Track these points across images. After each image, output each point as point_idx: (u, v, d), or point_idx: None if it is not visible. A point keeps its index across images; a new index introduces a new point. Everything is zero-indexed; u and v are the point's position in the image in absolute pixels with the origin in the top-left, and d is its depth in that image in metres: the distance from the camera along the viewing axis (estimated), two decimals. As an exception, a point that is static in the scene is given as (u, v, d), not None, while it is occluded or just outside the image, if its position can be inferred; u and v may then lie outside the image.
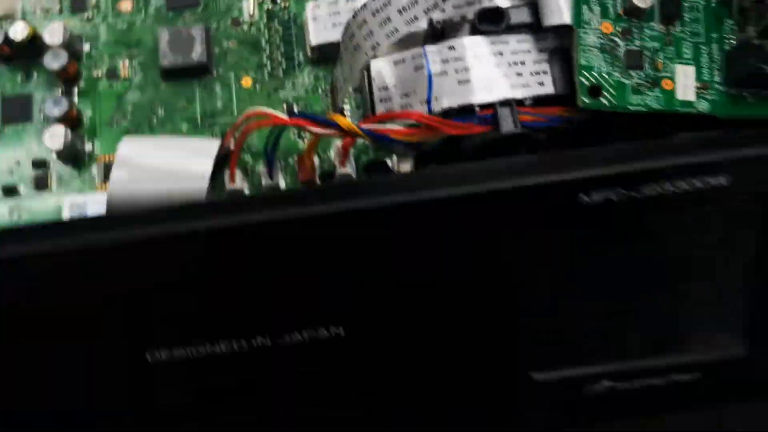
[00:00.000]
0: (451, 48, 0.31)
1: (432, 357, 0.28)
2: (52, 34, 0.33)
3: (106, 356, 0.27)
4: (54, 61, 0.33)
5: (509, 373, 0.29)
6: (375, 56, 0.31)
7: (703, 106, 0.30)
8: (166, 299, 0.27)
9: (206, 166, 0.30)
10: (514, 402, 0.30)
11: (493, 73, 0.31)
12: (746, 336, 0.29)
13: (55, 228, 0.28)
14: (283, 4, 0.35)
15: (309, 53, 0.35)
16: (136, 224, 0.26)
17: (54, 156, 0.33)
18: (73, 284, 0.26)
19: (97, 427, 0.28)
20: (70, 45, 0.34)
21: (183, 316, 0.27)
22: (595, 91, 0.29)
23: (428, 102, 0.32)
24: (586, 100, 0.29)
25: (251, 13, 0.35)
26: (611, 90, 0.30)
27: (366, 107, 0.33)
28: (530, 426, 0.32)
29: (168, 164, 0.30)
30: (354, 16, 0.31)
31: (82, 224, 0.28)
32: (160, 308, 0.27)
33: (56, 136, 0.32)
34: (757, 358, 0.29)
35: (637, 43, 0.30)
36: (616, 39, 0.30)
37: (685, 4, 0.31)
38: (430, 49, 0.32)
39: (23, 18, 0.35)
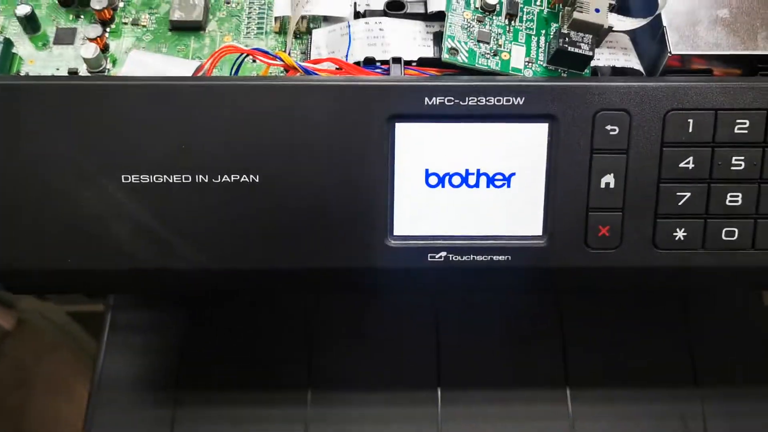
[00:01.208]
0: (367, 23, 0.42)
1: (317, 210, 0.37)
2: (99, -12, 0.45)
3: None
4: (98, 4, 0.43)
5: (372, 234, 0.38)
6: (308, 8, 0.42)
7: (528, 73, 0.41)
8: (143, 137, 0.36)
9: (186, 73, 0.41)
10: (373, 259, 0.38)
11: (393, 40, 0.42)
12: (545, 231, 0.38)
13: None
14: (263, -9, 0.48)
15: (273, 24, 0.46)
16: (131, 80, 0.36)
17: (84, 67, 0.43)
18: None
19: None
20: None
21: (153, 153, 0.36)
22: (453, 51, 0.40)
23: (347, 56, 0.43)
24: (447, 57, 0.40)
25: (240, -5, 0.47)
26: (465, 53, 0.40)
27: (308, 56, 0.44)
28: (387, 284, 0.41)
29: (161, 67, 0.40)
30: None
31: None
32: (137, 143, 0.36)
33: (89, 49, 0.42)
34: (554, 249, 0.38)
35: (488, 27, 0.41)
36: (473, 23, 0.41)
37: (524, 10, 0.42)
38: (353, 22, 0.43)
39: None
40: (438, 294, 0.49)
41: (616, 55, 0.42)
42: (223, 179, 0.36)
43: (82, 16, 0.45)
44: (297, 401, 0.47)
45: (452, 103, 0.36)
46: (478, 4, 0.41)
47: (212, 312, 0.50)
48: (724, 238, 0.37)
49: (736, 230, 0.37)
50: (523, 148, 0.37)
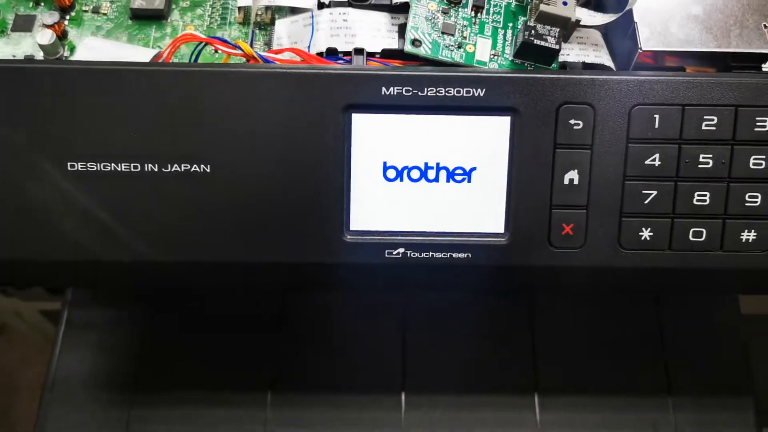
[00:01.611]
0: (331, 14, 0.41)
1: (270, 203, 0.35)
2: (58, -26, 0.44)
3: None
4: (56, -10, 0.43)
5: (327, 228, 0.37)
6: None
7: (494, 66, 0.39)
8: (90, 124, 0.34)
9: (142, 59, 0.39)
10: (329, 254, 0.37)
11: (357, 31, 0.41)
12: (507, 229, 0.37)
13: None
14: (228, -17, 0.47)
15: (237, 14, 0.45)
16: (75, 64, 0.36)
17: (40, 54, 0.42)
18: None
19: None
20: (70, -15, 0.44)
21: (100, 140, 0.35)
22: (416, 42, 0.39)
23: (309, 46, 0.42)
24: (410, 48, 0.39)
25: (204, -15, 0.46)
26: (428, 44, 0.39)
27: (270, 47, 0.43)
28: (344, 280, 0.39)
29: (116, 54, 0.39)
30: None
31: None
32: (84, 130, 0.34)
33: (45, 35, 0.41)
34: (516, 247, 0.37)
35: (453, 19, 0.40)
36: (438, 14, 0.40)
37: (491, 2, 0.41)
38: (317, 12, 0.42)
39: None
40: (406, 295, 0.48)
41: (587, 50, 0.41)
42: (173, 168, 0.35)
43: (42, 3, 0.45)
44: (256, 404, 0.46)
45: (410, 93, 0.35)
46: (443, -5, 0.40)
47: (172, 311, 0.48)
48: (691, 238, 0.36)
49: (704, 231, 0.36)
50: (484, 141, 0.36)
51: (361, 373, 0.46)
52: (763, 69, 0.40)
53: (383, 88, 0.35)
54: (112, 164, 0.35)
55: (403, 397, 0.46)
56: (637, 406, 0.46)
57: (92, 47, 0.39)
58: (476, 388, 0.46)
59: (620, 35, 0.42)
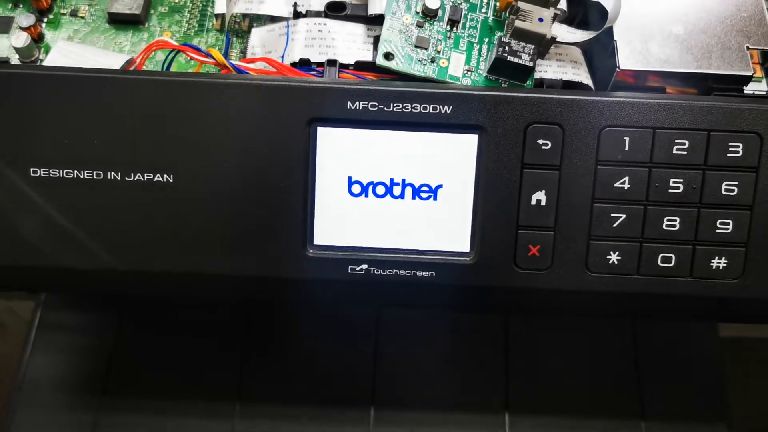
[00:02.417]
0: (307, 24, 0.40)
1: (234, 215, 0.35)
2: (37, -24, 0.44)
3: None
4: (33, -7, 0.43)
5: (290, 242, 0.36)
6: (243, 6, 0.41)
7: (467, 82, 0.39)
8: (53, 130, 0.34)
9: (115, 66, 0.39)
10: (292, 269, 0.37)
11: (332, 43, 0.41)
12: (473, 248, 0.37)
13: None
14: (207, -11, 0.46)
15: (214, 21, 0.45)
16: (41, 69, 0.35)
17: (16, 57, 0.42)
18: None
19: None
20: (49, -12, 0.44)
21: (63, 146, 0.34)
22: (388, 56, 0.38)
23: (283, 56, 0.41)
24: (382, 61, 0.38)
25: (184, -9, 0.46)
26: (401, 58, 0.38)
27: (245, 55, 0.42)
28: (307, 295, 0.39)
29: (89, 59, 0.39)
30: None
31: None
32: (47, 136, 0.34)
33: (20, 38, 0.41)
34: (481, 267, 0.36)
35: (427, 33, 0.39)
36: (412, 27, 0.39)
37: (468, 16, 0.40)
38: (292, 22, 0.42)
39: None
40: (379, 308, 0.47)
41: (565, 67, 0.40)
42: (136, 177, 0.35)
43: (21, 5, 0.44)
44: (224, 413, 0.46)
45: (376, 108, 0.34)
46: (418, 8, 0.39)
47: (143, 317, 0.48)
48: (660, 264, 0.35)
49: (673, 256, 0.35)
50: (451, 159, 0.35)
51: (330, 386, 0.46)
52: (745, 91, 0.40)
53: (349, 103, 0.34)
54: (75, 171, 0.35)
55: (372, 412, 0.46)
56: (608, 428, 0.45)
57: (65, 51, 0.39)
58: (446, 405, 0.46)
59: (601, 53, 0.41)
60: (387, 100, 0.34)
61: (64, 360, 0.46)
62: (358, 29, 0.41)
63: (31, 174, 0.35)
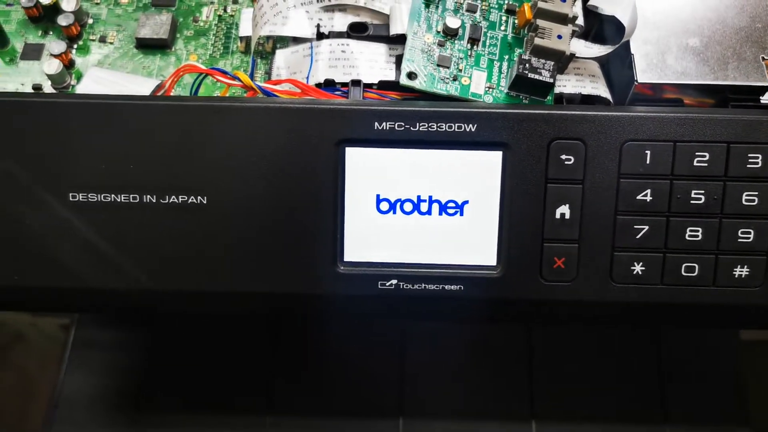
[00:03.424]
0: (330, 45, 0.41)
1: (266, 234, 0.36)
2: (68, 4, 0.44)
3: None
4: (64, 20, 0.44)
5: (322, 259, 0.37)
6: (268, 28, 0.42)
7: (488, 99, 0.40)
8: (91, 156, 0.35)
9: (145, 91, 0.40)
10: (324, 286, 0.37)
11: (355, 63, 0.42)
12: (499, 261, 0.37)
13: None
14: (230, 13, 0.47)
15: (239, 44, 0.46)
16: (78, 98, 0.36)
17: (48, 83, 0.43)
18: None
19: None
20: (78, 14, 0.44)
21: (101, 172, 0.36)
22: (411, 75, 0.39)
23: (308, 77, 0.42)
24: (405, 81, 0.39)
25: (208, 15, 0.47)
26: (423, 77, 0.39)
27: (270, 76, 0.44)
28: (338, 310, 0.40)
29: (120, 84, 0.40)
30: (257, 1, 0.42)
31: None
32: (85, 162, 0.35)
33: (52, 65, 0.42)
34: (508, 280, 0.37)
35: (449, 51, 0.40)
36: (434, 47, 0.40)
37: (488, 34, 0.41)
38: (316, 43, 0.43)
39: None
40: (405, 321, 0.48)
41: (584, 82, 0.41)
42: (171, 200, 0.36)
43: (51, 32, 0.46)
44: (256, 427, 0.47)
45: (402, 128, 0.35)
46: (439, 28, 0.40)
47: (175, 335, 0.49)
48: (683, 273, 0.36)
49: (696, 266, 0.36)
50: (476, 175, 0.36)
51: (359, 398, 0.47)
52: (762, 101, 0.41)
53: (376, 123, 0.35)
54: (112, 195, 0.36)
55: (401, 422, 0.47)
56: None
57: (97, 77, 0.40)
58: (473, 414, 0.47)
59: (618, 66, 0.42)
60: (413, 120, 0.35)
61: (98, 378, 0.47)
62: (380, 49, 0.42)
63: (70, 199, 0.36)
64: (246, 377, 0.47)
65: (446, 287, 0.37)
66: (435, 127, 0.35)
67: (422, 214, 0.36)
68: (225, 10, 0.46)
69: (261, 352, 0.48)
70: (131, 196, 0.36)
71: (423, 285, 0.37)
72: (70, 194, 0.36)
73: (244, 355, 0.48)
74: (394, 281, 0.37)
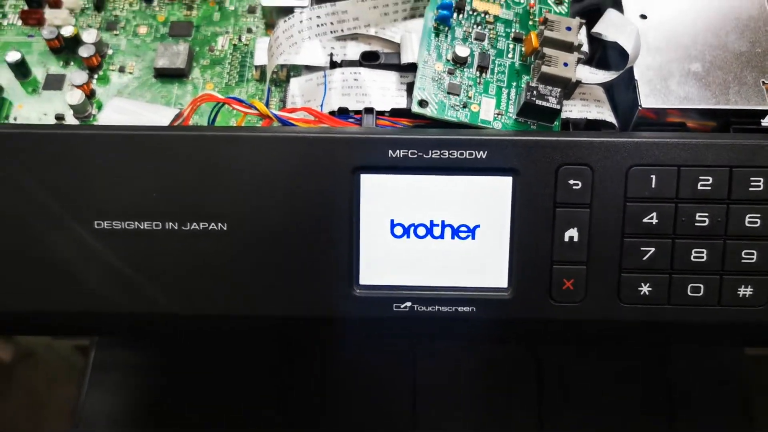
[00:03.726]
0: (343, 73, 0.43)
1: (284, 259, 0.37)
2: (89, 36, 0.46)
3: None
4: (85, 52, 0.45)
5: (338, 282, 0.38)
6: (283, 58, 0.43)
7: (497, 125, 0.41)
8: (115, 185, 0.37)
9: (164, 120, 0.42)
10: (341, 308, 0.39)
11: (368, 91, 0.43)
12: (510, 283, 0.38)
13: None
14: (245, 43, 0.49)
15: (254, 72, 0.47)
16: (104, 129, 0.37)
17: (70, 113, 0.45)
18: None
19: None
20: (99, 45, 0.46)
21: (124, 200, 0.37)
22: (423, 103, 0.41)
23: (321, 105, 0.43)
24: (416, 109, 0.41)
25: (223, 45, 0.48)
26: (434, 105, 0.41)
27: (285, 104, 0.45)
28: (353, 333, 0.41)
29: (140, 113, 0.41)
30: (273, 33, 0.43)
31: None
32: (109, 190, 0.37)
33: (75, 96, 0.43)
34: (519, 301, 0.38)
35: (458, 79, 0.42)
36: (444, 75, 0.41)
37: (496, 62, 0.43)
38: (329, 72, 0.44)
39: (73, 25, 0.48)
40: (416, 341, 0.49)
41: (589, 106, 0.43)
42: (192, 227, 0.37)
43: (71, 62, 0.47)
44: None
45: (416, 155, 0.36)
46: (449, 57, 0.42)
47: (191, 355, 0.50)
48: (689, 293, 0.37)
49: (702, 286, 0.37)
50: (487, 201, 0.37)
51: (371, 417, 0.48)
52: (763, 124, 0.42)
53: (390, 151, 0.36)
54: (136, 223, 0.37)
55: None
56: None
57: (118, 107, 0.42)
58: (483, 428, 0.48)
59: (622, 91, 0.43)
60: (426, 147, 0.36)
61: (117, 398, 0.48)
62: (392, 77, 0.43)
63: (95, 226, 0.37)
64: (261, 394, 0.48)
65: (459, 309, 0.38)
66: (447, 154, 0.36)
67: (435, 238, 0.38)
68: (240, 40, 0.48)
69: (275, 369, 0.49)
70: (154, 223, 0.37)
71: (436, 307, 0.38)
72: (95, 222, 0.37)
73: (258, 374, 0.49)
74: (409, 303, 0.38)
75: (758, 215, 0.36)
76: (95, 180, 0.37)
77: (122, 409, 0.49)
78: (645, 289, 0.37)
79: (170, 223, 0.37)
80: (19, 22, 0.48)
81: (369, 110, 0.41)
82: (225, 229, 0.37)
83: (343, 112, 0.42)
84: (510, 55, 0.42)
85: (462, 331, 0.38)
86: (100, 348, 0.50)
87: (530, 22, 0.44)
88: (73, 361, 0.81)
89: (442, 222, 0.37)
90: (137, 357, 0.50)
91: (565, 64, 0.40)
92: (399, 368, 0.50)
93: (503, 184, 0.37)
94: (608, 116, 0.43)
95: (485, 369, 0.49)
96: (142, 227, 0.37)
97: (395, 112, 0.42)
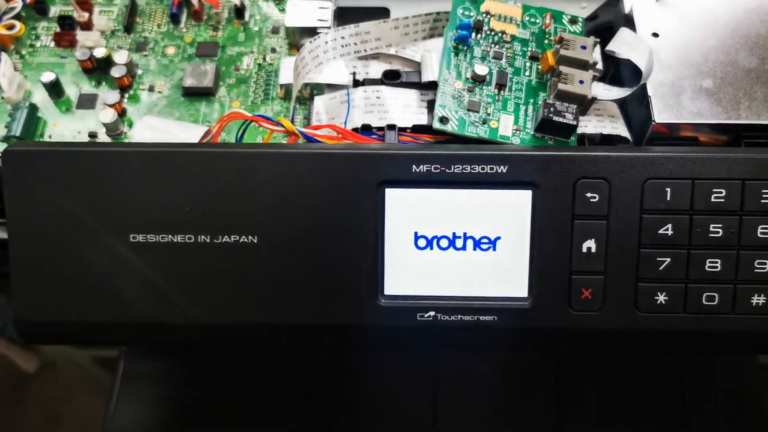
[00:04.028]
0: (365, 91, 0.44)
1: (312, 270, 0.38)
2: (120, 57, 0.48)
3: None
4: (117, 72, 0.47)
5: (364, 292, 0.40)
6: (309, 76, 0.45)
7: (516, 141, 0.42)
8: (149, 199, 0.38)
9: (193, 137, 0.43)
10: (366, 318, 0.40)
11: (390, 108, 0.44)
12: (530, 293, 0.40)
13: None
14: (269, 62, 0.50)
15: (279, 90, 0.49)
16: (138, 146, 0.39)
17: (103, 130, 0.46)
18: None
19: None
20: (129, 66, 0.48)
21: (158, 214, 0.38)
22: (444, 119, 0.42)
23: (345, 122, 0.45)
24: (438, 125, 0.42)
25: (248, 65, 0.50)
26: (455, 121, 0.42)
27: (309, 121, 0.47)
28: (378, 342, 0.42)
29: (170, 131, 0.43)
30: (299, 53, 0.45)
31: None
32: (144, 205, 0.38)
33: (107, 114, 0.45)
34: (538, 310, 0.39)
35: (477, 97, 0.43)
36: (464, 92, 0.43)
37: (513, 80, 0.44)
38: (352, 90, 0.45)
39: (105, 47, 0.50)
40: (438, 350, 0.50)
41: (604, 122, 0.44)
42: (224, 239, 0.39)
43: (103, 82, 0.49)
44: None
45: (439, 170, 0.38)
46: (468, 75, 0.43)
47: (220, 366, 0.51)
48: (704, 302, 0.38)
49: (717, 295, 0.38)
50: (507, 213, 0.38)
51: (392, 424, 0.49)
52: (774, 137, 0.43)
53: (414, 166, 0.38)
54: (169, 236, 0.38)
55: None
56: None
57: (149, 125, 0.43)
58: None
59: (636, 107, 0.45)
60: (448, 162, 0.38)
61: (146, 408, 0.50)
62: (413, 95, 0.45)
63: (131, 240, 0.38)
64: (287, 405, 0.49)
65: (481, 318, 0.39)
66: (469, 168, 0.38)
67: (457, 249, 0.39)
68: (264, 59, 0.49)
69: (298, 380, 0.50)
70: (187, 236, 0.38)
71: (459, 316, 0.39)
72: (131, 235, 0.39)
73: (283, 385, 0.50)
74: (432, 313, 0.40)
75: (770, 226, 0.38)
76: (130, 195, 0.38)
77: (151, 418, 0.50)
78: (661, 298, 0.38)
79: (202, 236, 0.38)
80: (52, 44, 0.50)
81: (391, 127, 0.43)
82: (255, 241, 0.38)
83: (366, 129, 0.44)
84: (527, 73, 0.44)
85: (484, 340, 0.40)
86: (128, 359, 0.52)
87: (545, 41, 0.45)
88: (93, 373, 0.83)
89: (464, 234, 0.39)
90: (164, 366, 0.51)
91: (581, 82, 0.41)
92: (418, 376, 0.51)
93: (523, 198, 0.38)
94: (622, 131, 0.44)
95: (504, 375, 0.50)
96: (175, 240, 0.38)
97: (416, 129, 0.44)
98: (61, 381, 0.83)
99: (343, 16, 0.52)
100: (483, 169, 0.38)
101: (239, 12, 0.51)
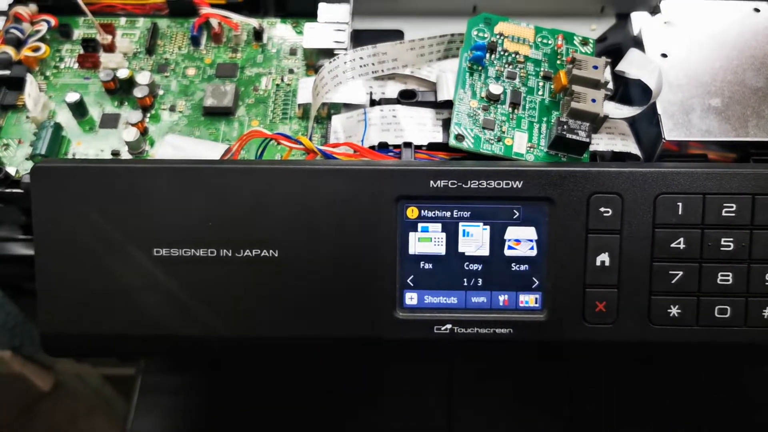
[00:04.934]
0: (382, 110, 0.45)
1: (332, 283, 0.39)
2: (143, 78, 0.49)
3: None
4: (139, 92, 0.48)
5: (381, 306, 0.40)
6: (328, 96, 0.46)
7: (530, 158, 0.43)
8: (173, 215, 0.39)
9: (214, 155, 0.44)
10: (385, 330, 0.41)
11: (405, 126, 0.45)
12: (545, 306, 0.40)
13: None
14: (287, 82, 0.52)
15: (296, 110, 0.50)
16: (163, 163, 0.40)
17: (125, 148, 0.48)
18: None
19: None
20: (151, 87, 0.49)
21: (181, 229, 0.39)
22: (459, 137, 0.43)
23: (362, 140, 0.46)
24: (454, 143, 0.43)
25: (267, 85, 0.51)
26: (471, 139, 0.43)
27: (327, 139, 0.48)
28: (396, 354, 0.42)
29: (192, 149, 0.44)
30: (318, 72, 0.46)
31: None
32: (167, 220, 0.39)
33: (130, 133, 0.46)
34: (553, 323, 0.40)
35: (492, 115, 0.44)
36: (479, 111, 0.44)
37: (527, 99, 0.45)
38: (369, 109, 0.47)
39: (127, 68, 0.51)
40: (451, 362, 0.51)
41: (615, 140, 0.45)
42: (245, 254, 0.40)
43: (125, 102, 0.50)
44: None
45: (456, 185, 0.39)
46: (483, 94, 0.44)
47: (236, 377, 0.52)
48: (716, 315, 0.39)
49: (728, 308, 0.39)
50: (523, 227, 0.39)
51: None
52: (781, 154, 0.44)
53: (431, 181, 0.39)
54: (192, 250, 0.39)
55: None
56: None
57: (172, 143, 0.44)
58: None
59: (646, 125, 0.46)
60: (465, 177, 0.39)
61: (165, 420, 0.50)
62: (428, 113, 0.46)
63: (154, 254, 0.39)
64: (303, 417, 0.50)
65: (497, 331, 0.40)
66: (485, 183, 0.39)
67: (473, 263, 0.40)
68: (282, 80, 0.51)
69: (318, 392, 0.51)
70: (209, 250, 0.39)
71: (475, 329, 0.40)
72: (155, 249, 0.40)
73: (299, 396, 0.51)
74: (449, 326, 0.40)
75: (781, 240, 0.38)
76: (154, 210, 0.39)
77: (169, 430, 0.50)
78: (674, 311, 0.39)
79: (224, 250, 0.39)
80: (76, 66, 0.51)
81: (408, 144, 0.44)
82: (276, 255, 0.39)
83: (382, 147, 0.45)
84: (540, 93, 0.45)
85: (499, 353, 0.40)
86: (146, 373, 0.52)
87: (558, 62, 0.46)
88: (106, 393, 0.83)
89: (480, 248, 0.40)
90: (181, 379, 0.52)
91: (593, 100, 0.42)
92: (433, 390, 0.51)
93: (538, 212, 0.39)
94: (633, 149, 0.45)
95: (519, 387, 0.50)
96: (198, 254, 0.39)
97: (432, 146, 0.45)
98: (75, 399, 0.84)
99: (359, 38, 0.53)
100: (499, 184, 0.39)
101: (258, 34, 0.53)
